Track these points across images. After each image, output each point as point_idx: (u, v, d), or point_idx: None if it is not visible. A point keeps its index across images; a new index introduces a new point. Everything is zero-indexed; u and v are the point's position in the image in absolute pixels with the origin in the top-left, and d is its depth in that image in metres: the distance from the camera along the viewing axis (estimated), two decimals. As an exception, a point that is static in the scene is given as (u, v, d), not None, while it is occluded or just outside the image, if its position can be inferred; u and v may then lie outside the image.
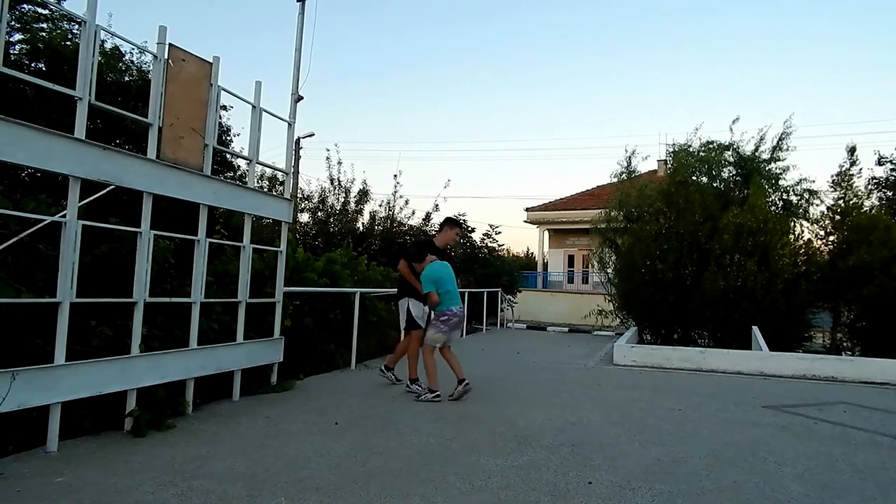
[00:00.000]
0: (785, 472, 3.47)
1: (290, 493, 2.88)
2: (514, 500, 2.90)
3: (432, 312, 5.51)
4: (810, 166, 19.06)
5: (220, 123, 5.41)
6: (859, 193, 11.88)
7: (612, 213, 13.29)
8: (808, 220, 12.11)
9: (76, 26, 5.23)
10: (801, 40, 76.61)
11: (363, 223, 15.46)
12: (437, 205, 15.80)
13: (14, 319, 3.56)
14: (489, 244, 17.13)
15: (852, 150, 11.96)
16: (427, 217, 15.76)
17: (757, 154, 12.31)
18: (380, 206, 15.79)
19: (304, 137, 20.25)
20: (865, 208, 11.76)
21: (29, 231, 3.59)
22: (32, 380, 3.27)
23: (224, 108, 7.18)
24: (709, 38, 78.77)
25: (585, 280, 26.47)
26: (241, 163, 7.87)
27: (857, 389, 6.77)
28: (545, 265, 28.41)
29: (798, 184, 12.29)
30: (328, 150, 20.32)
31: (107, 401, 3.81)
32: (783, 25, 76.27)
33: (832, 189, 11.98)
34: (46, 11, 5.84)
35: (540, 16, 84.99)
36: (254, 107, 5.15)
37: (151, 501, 2.76)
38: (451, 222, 6.06)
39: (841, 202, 11.71)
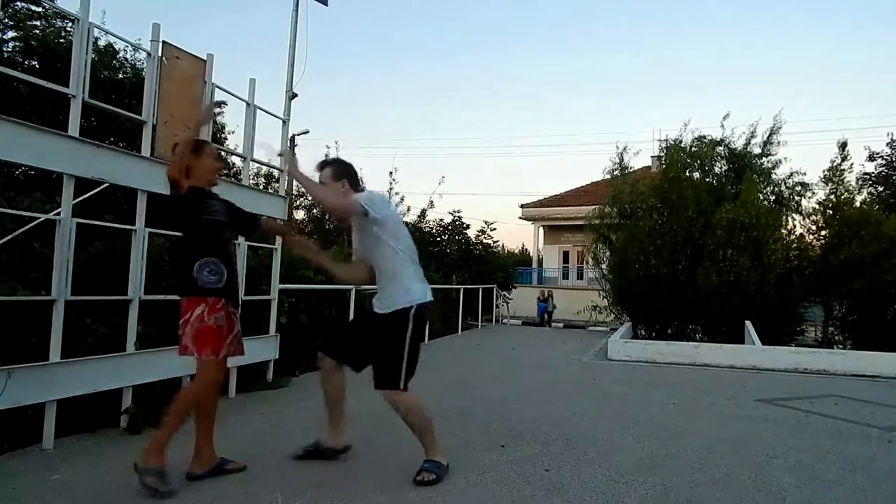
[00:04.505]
0: (777, 465, 3.51)
1: (287, 490, 2.88)
2: (509, 495, 2.92)
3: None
4: (801, 162, 19.26)
5: (214, 121, 5.40)
6: (850, 188, 11.98)
7: (606, 210, 13.36)
8: (800, 213, 12.22)
9: (70, 24, 5.20)
10: (791, 36, 76.98)
11: (358, 220, 15.42)
12: (431, 201, 15.79)
13: (9, 317, 3.56)
14: (484, 241, 17.14)
15: (843, 146, 12.05)
16: (422, 214, 15.75)
17: (748, 149, 12.39)
18: (375, 202, 15.76)
19: (298, 135, 20.13)
20: (857, 203, 11.86)
21: (23, 229, 3.58)
22: (28, 378, 3.27)
23: (218, 105, 7.16)
24: (700, 34, 79.01)
25: (580, 276, 26.55)
26: (236, 160, 7.86)
27: (848, 382, 6.84)
28: (540, 261, 28.47)
29: (790, 177, 12.39)
30: (328, 147, 20.37)
31: (102, 398, 3.81)
32: (773, 22, 76.61)
33: (824, 184, 12.07)
34: (40, 9, 5.81)
35: (533, 12, 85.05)
36: (248, 104, 5.15)
37: (147, 499, 2.77)
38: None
39: (832, 197, 11.81)
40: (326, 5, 5.94)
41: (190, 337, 2.88)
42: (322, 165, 3.32)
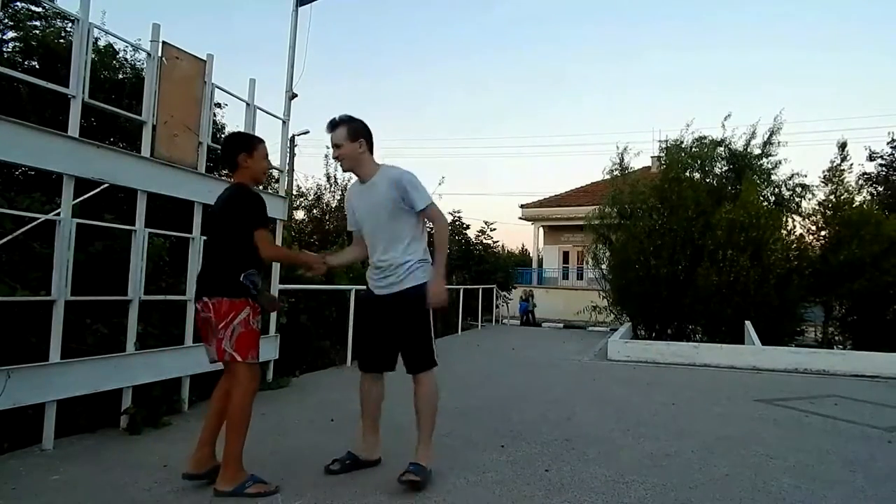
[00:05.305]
0: (776, 465, 3.51)
1: (287, 489, 2.89)
2: (508, 495, 2.92)
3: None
4: (801, 162, 19.26)
5: (214, 121, 5.40)
6: (850, 188, 11.97)
7: (606, 210, 13.34)
8: (800, 214, 12.20)
9: (70, 24, 5.19)
10: (791, 36, 77.07)
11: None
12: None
13: (9, 318, 3.56)
14: (484, 241, 17.16)
15: (843, 146, 12.05)
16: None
17: (748, 150, 12.37)
18: (375, 203, 15.78)
19: (298, 135, 20.21)
20: (857, 203, 11.85)
21: (23, 229, 3.58)
22: (27, 378, 3.27)
23: (218, 105, 7.14)
24: (700, 34, 79.15)
25: (580, 276, 26.53)
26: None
27: (848, 383, 6.84)
28: (540, 262, 28.46)
29: (790, 178, 12.38)
30: (328, 147, 20.47)
31: (102, 398, 3.81)
32: (773, 22, 76.71)
33: (824, 184, 12.06)
34: (40, 9, 5.81)
35: (533, 11, 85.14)
36: (248, 104, 5.15)
37: (147, 498, 2.77)
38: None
39: (832, 197, 11.80)
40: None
41: (231, 340, 2.81)
42: (333, 126, 3.00)
